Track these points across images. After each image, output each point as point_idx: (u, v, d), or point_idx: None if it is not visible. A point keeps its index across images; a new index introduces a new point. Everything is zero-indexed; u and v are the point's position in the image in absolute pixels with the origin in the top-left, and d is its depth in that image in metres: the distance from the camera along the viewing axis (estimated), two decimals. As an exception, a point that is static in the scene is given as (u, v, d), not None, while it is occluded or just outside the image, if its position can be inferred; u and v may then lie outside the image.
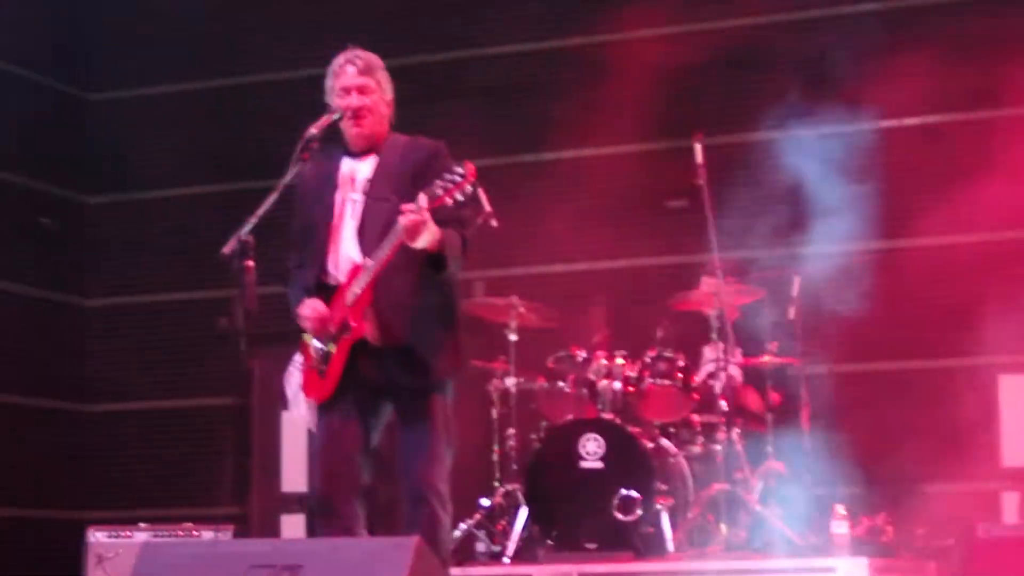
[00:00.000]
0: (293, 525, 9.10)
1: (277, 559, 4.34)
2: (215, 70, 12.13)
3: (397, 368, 5.35)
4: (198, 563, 4.53)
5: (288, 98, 10.94)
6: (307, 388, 5.51)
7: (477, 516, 8.02)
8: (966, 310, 9.93)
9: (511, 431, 8.20)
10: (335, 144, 5.60)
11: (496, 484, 8.17)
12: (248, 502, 8.29)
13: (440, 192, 5.18)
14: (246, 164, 11.19)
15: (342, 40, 5.78)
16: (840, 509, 7.58)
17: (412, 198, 5.19)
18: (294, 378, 5.61)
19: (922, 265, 9.96)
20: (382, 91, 5.56)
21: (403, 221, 5.16)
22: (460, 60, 11.36)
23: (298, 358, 5.57)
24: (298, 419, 5.75)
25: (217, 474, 11.17)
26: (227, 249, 5.24)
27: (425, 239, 5.19)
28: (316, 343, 5.43)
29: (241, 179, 11.05)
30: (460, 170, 5.21)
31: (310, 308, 5.40)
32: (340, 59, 5.59)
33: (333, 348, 5.38)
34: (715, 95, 10.58)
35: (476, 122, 10.60)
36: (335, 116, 5.51)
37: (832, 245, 9.29)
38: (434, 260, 5.31)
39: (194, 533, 8.21)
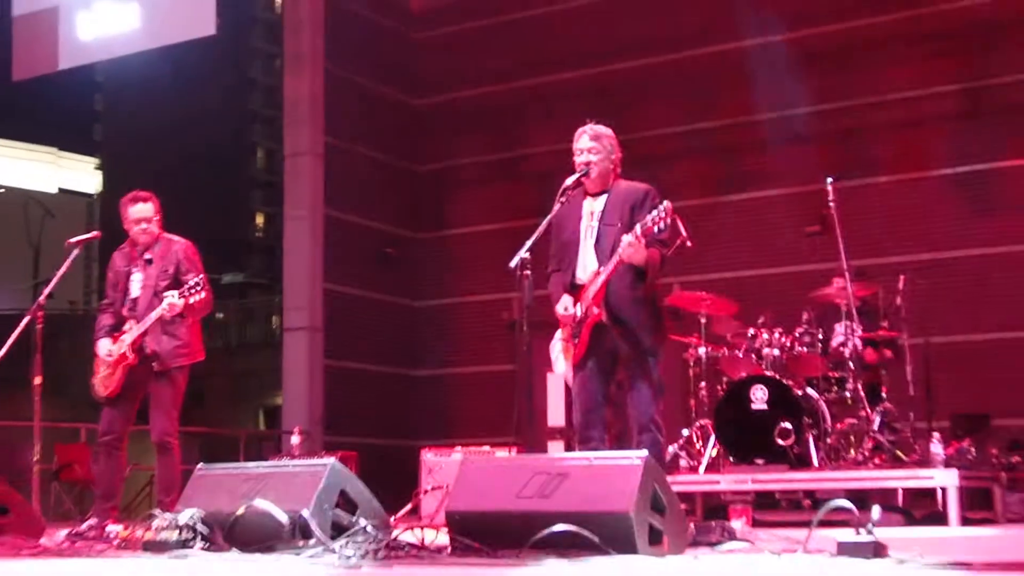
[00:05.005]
0: (556, 448, 9.16)
1: (552, 469, 4.30)
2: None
3: (623, 340, 5.29)
4: (501, 470, 4.58)
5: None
6: (566, 354, 5.48)
7: (680, 441, 8.00)
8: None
9: (702, 384, 8.15)
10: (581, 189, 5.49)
11: (693, 420, 8.14)
12: (526, 433, 8.39)
13: (649, 223, 5.12)
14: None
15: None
16: (936, 436, 7.36)
17: (631, 225, 5.16)
18: (556, 347, 5.63)
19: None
20: (607, 151, 5.46)
21: (624, 244, 5.15)
22: None
23: (559, 334, 5.53)
24: (559, 375, 5.77)
25: (507, 415, 11.30)
26: (512, 263, 5.31)
27: (636, 257, 5.15)
28: (569, 325, 5.40)
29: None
30: (663, 207, 5.15)
31: (563, 307, 5.38)
32: (578, 131, 5.49)
33: (580, 329, 5.35)
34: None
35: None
36: (580, 172, 5.49)
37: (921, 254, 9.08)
38: (641, 271, 5.26)
39: (491, 452, 8.31)
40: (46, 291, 6.47)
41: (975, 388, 9.55)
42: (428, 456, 8.53)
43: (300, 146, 12.08)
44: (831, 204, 7.84)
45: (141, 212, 6.40)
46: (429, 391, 12.65)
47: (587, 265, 5.41)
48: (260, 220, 41.75)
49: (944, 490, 6.89)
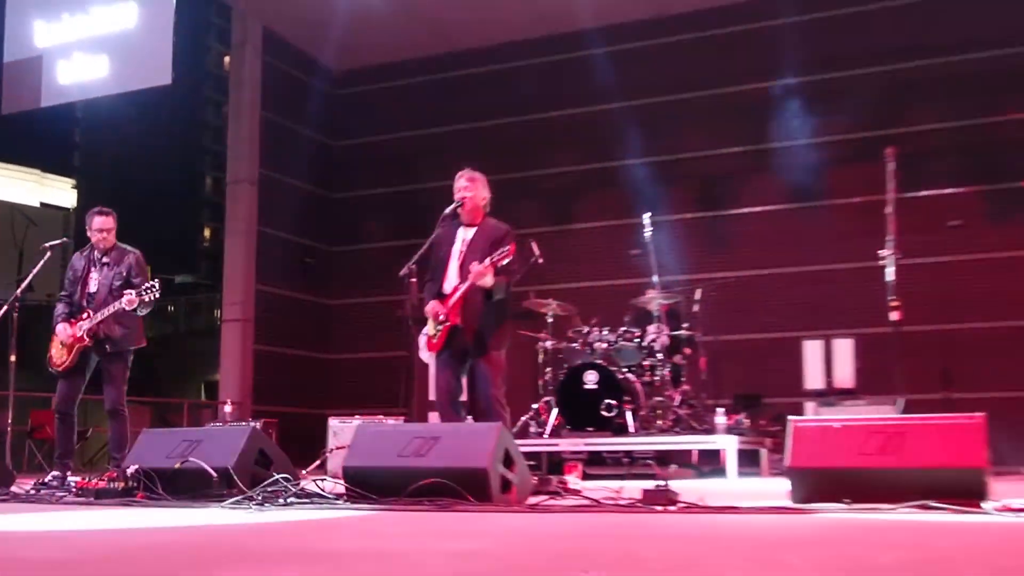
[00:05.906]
0: (435, 418, 9.03)
1: (426, 433, 4.29)
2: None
3: (473, 341, 5.22)
4: (387, 434, 4.54)
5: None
6: (428, 346, 5.39)
7: (530, 413, 8.04)
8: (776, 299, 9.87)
9: (548, 369, 8.20)
10: (459, 220, 5.43)
11: (540, 397, 8.19)
12: (411, 405, 8.31)
13: (496, 257, 5.10)
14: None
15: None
16: (720, 410, 7.55)
17: (489, 254, 5.13)
18: (422, 340, 5.56)
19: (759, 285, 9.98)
20: (479, 191, 5.41)
21: (474, 272, 5.13)
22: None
23: (425, 329, 5.42)
24: (425, 361, 5.69)
25: (397, 391, 11.14)
26: (402, 272, 5.24)
27: (486, 282, 5.12)
28: (433, 324, 5.32)
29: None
30: (508, 247, 5.14)
31: (431, 308, 5.31)
32: (458, 174, 5.44)
33: (440, 328, 5.28)
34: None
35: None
36: (456, 204, 5.46)
37: (713, 273, 9.30)
38: (489, 292, 5.21)
39: (383, 420, 8.19)
40: (23, 286, 6.22)
41: (751, 375, 9.83)
42: (334, 423, 8.38)
43: (240, 175, 11.84)
44: (648, 233, 8.01)
45: (103, 223, 6.21)
46: (337, 371, 12.47)
47: (452, 280, 5.37)
48: (207, 233, 40.72)
49: (725, 451, 7.08)
